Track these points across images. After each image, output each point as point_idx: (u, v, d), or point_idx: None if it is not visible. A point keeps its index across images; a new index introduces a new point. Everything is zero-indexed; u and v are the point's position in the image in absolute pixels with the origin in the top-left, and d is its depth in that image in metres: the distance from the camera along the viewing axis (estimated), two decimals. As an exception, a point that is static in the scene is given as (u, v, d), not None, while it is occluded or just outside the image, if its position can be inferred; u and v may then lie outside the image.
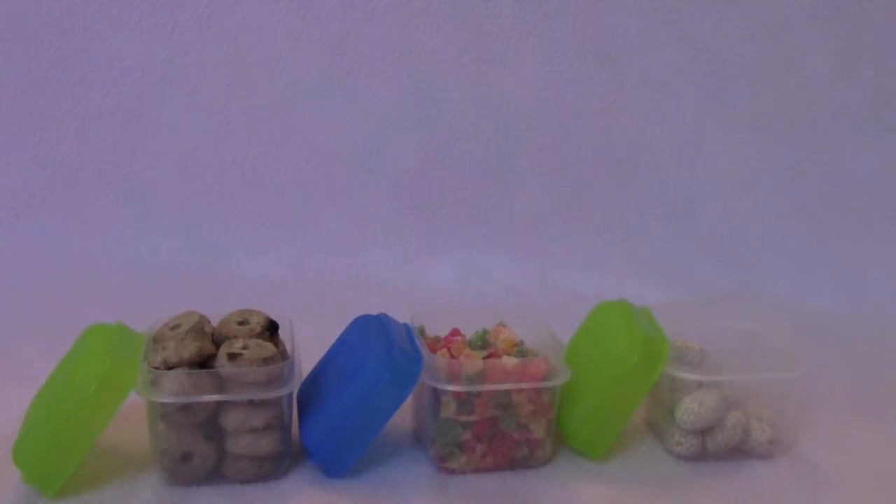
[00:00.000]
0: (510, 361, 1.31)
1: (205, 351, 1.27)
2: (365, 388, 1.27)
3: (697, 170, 2.06)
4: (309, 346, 1.40)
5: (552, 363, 1.33)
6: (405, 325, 1.40)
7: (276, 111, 2.07)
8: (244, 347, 1.27)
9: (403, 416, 1.40)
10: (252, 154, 2.08)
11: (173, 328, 1.30)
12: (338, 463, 1.30)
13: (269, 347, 1.28)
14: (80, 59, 2.05)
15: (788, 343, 1.43)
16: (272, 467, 1.29)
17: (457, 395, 1.30)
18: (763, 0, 1.99)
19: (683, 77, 2.03)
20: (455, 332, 1.41)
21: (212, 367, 1.26)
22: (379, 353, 1.29)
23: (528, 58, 2.04)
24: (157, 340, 1.30)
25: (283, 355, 1.31)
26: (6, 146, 2.07)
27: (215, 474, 1.28)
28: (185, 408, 1.24)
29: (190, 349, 1.26)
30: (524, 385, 1.30)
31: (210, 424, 1.26)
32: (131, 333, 1.33)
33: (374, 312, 1.41)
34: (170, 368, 1.24)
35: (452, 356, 1.33)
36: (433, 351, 1.34)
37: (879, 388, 1.64)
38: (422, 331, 1.42)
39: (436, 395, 1.30)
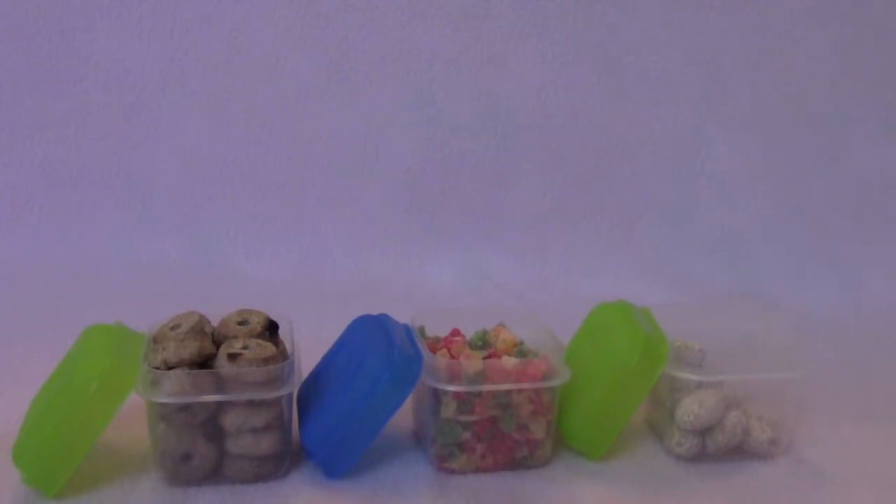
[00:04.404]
0: (510, 362, 1.31)
1: (205, 351, 1.27)
2: (365, 389, 1.27)
3: (697, 170, 2.06)
4: (309, 346, 1.40)
5: (552, 363, 1.33)
6: (405, 326, 1.40)
7: (276, 112, 2.07)
8: (244, 347, 1.27)
9: (403, 417, 1.40)
10: (252, 154, 2.08)
11: (173, 328, 1.30)
12: (338, 463, 1.30)
13: (269, 347, 1.28)
14: (80, 59, 2.05)
15: (788, 343, 1.43)
16: (272, 468, 1.29)
17: (457, 395, 1.30)
18: (763, 4, 1.99)
19: (683, 78, 2.03)
20: (455, 333, 1.41)
21: (212, 367, 1.26)
22: (379, 353, 1.29)
23: (528, 58, 2.04)
24: (157, 340, 1.29)
25: (283, 355, 1.31)
26: (6, 146, 2.07)
27: (215, 474, 1.28)
28: (185, 408, 1.24)
29: (190, 349, 1.26)
30: (524, 385, 1.31)
31: (210, 424, 1.26)
32: (131, 334, 1.33)
33: (375, 312, 1.41)
34: (170, 368, 1.24)
35: (452, 356, 1.33)
36: (433, 351, 1.34)
37: (879, 389, 1.64)
38: (422, 331, 1.42)
39: (436, 395, 1.30)
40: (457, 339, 1.38)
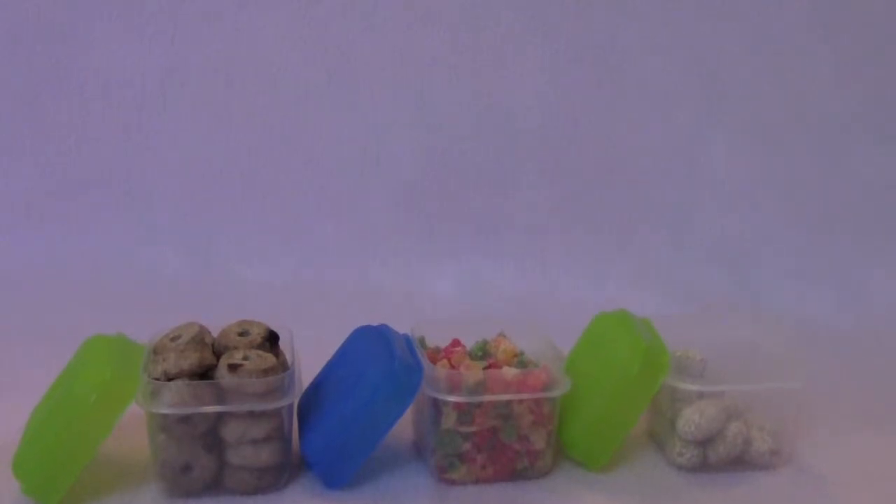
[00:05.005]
0: (510, 372, 1.31)
1: (205, 362, 1.27)
2: (365, 399, 1.27)
3: (698, 177, 2.05)
4: (309, 356, 1.40)
5: (552, 374, 1.33)
6: (405, 336, 1.40)
7: (277, 120, 2.07)
8: (244, 358, 1.27)
9: (404, 427, 1.40)
10: (252, 163, 2.08)
11: (173, 339, 1.30)
12: (338, 474, 1.30)
13: (269, 358, 1.28)
14: (81, 67, 2.05)
15: (789, 353, 1.43)
16: (272, 479, 1.29)
17: (457, 405, 1.29)
18: (763, 9, 1.99)
19: (684, 85, 2.03)
20: (455, 343, 1.40)
21: (212, 377, 1.26)
22: (379, 363, 1.29)
23: (528, 65, 2.03)
24: (157, 351, 1.29)
25: (283, 366, 1.31)
26: (6, 155, 2.08)
27: (215, 485, 1.28)
28: (185, 419, 1.24)
29: (190, 360, 1.26)
30: (524, 396, 1.30)
31: (210, 435, 1.26)
32: (131, 344, 1.33)
33: (375, 322, 1.41)
34: (170, 379, 1.24)
35: (453, 367, 1.33)
36: (433, 361, 1.34)
37: (880, 398, 1.64)
38: (422, 341, 1.41)
39: (436, 405, 1.30)
40: (457, 349, 1.38)
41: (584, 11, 2.02)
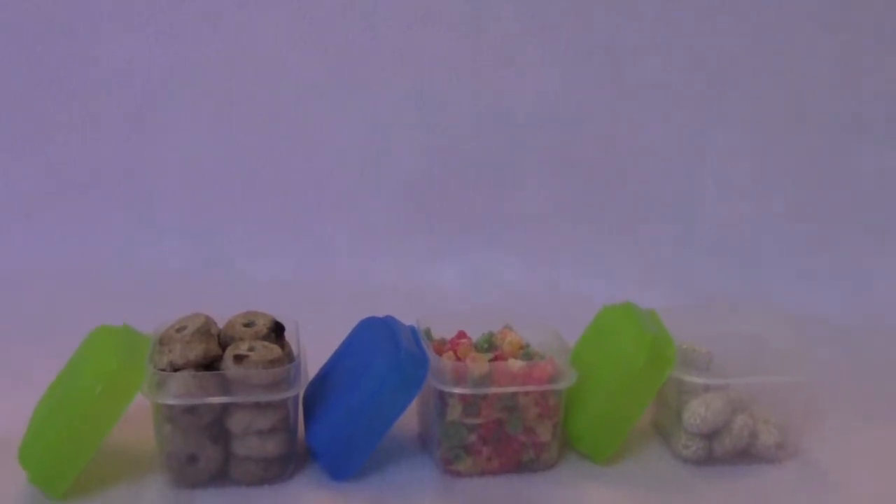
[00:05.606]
0: (516, 364, 1.31)
1: (211, 353, 1.27)
2: (371, 391, 1.27)
3: (703, 173, 2.05)
4: (315, 348, 1.39)
5: (558, 366, 1.33)
6: (411, 328, 1.39)
7: (281, 116, 2.07)
8: (250, 349, 1.27)
9: (409, 419, 1.39)
10: (259, 158, 2.08)
11: (179, 330, 1.30)
12: (344, 465, 1.30)
13: (275, 349, 1.28)
14: (81, 66, 2.05)
15: (795, 347, 1.43)
16: (278, 470, 1.29)
17: (463, 397, 1.29)
18: (767, 6, 2.00)
19: (688, 81, 2.03)
20: (461, 335, 1.40)
21: (218, 368, 1.26)
22: (385, 355, 1.29)
23: (532, 61, 2.04)
24: (162, 342, 1.29)
25: (289, 357, 1.31)
26: (13, 150, 2.08)
27: (221, 476, 1.28)
28: (190, 409, 1.24)
29: (196, 351, 1.25)
30: (530, 388, 1.30)
31: (216, 426, 1.26)
32: (137, 335, 1.33)
33: (380, 315, 1.41)
34: (176, 370, 1.24)
35: (458, 358, 1.33)
36: (439, 353, 1.34)
37: (886, 392, 1.64)
38: (428, 333, 1.41)
39: (442, 397, 1.30)
40: (463, 341, 1.38)
41: (585, 10, 2.02)
